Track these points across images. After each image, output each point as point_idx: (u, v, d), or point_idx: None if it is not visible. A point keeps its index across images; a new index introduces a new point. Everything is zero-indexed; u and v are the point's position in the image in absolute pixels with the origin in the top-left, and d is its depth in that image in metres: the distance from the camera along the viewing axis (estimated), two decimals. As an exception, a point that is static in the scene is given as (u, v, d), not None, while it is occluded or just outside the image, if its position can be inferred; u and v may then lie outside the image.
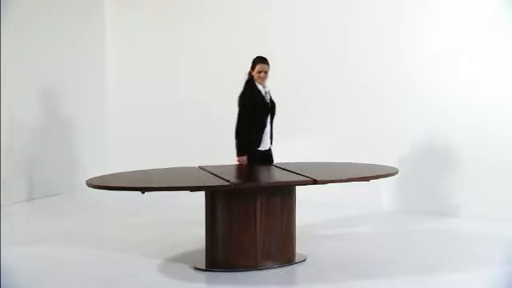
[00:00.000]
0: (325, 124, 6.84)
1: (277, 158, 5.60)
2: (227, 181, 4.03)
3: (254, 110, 4.89)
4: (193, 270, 4.26)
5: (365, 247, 4.88)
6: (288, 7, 7.11)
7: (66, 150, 7.70)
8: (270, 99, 5.04)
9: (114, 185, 3.97)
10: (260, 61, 5.01)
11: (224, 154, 6.86)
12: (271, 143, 5.05)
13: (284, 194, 4.34)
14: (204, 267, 4.30)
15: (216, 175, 4.31)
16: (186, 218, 5.90)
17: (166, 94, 8.01)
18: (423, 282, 4.06)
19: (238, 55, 7.43)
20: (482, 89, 5.91)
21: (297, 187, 4.47)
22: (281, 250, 4.34)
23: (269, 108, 4.99)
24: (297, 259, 4.44)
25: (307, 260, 4.47)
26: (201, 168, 4.76)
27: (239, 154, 4.84)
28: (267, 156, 5.01)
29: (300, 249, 4.56)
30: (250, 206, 4.20)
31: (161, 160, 6.69)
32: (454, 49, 6.11)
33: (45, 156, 7.38)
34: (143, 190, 3.88)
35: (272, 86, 7.12)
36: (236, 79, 7.40)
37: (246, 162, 4.85)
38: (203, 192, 4.32)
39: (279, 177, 4.37)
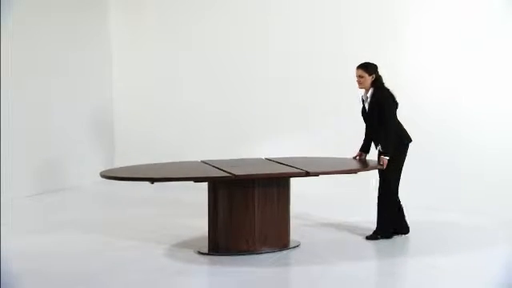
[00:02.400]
0: (317, 121, 7.19)
1: (272, 153, 5.96)
2: (228, 173, 4.42)
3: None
4: (196, 254, 4.64)
5: (355, 234, 5.25)
6: (288, 8, 7.39)
7: (73, 147, 7.97)
8: (372, 105, 5.00)
9: (126, 175, 4.34)
10: (356, 67, 5.05)
11: (224, 149, 7.28)
12: (378, 147, 5.01)
13: (280, 185, 4.71)
14: (207, 251, 4.68)
15: (217, 168, 4.70)
16: (189, 210, 6.26)
17: (169, 94, 8.27)
18: (407, 263, 4.52)
19: (239, 54, 7.71)
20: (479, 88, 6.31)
21: (292, 180, 4.85)
22: (277, 236, 4.72)
23: (365, 114, 5.08)
24: (291, 245, 4.82)
25: (301, 245, 4.85)
26: (203, 162, 5.15)
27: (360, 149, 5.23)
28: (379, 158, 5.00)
29: (294, 235, 4.94)
30: (248, 196, 4.58)
31: (164, 156, 7.04)
32: (448, 51, 6.43)
33: (52, 152, 7.67)
34: (152, 180, 4.25)
35: (266, 86, 7.52)
36: (237, 77, 7.80)
37: (359, 158, 5.18)
38: (205, 185, 4.73)
39: (275, 169, 4.75)
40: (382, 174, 5.00)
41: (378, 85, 5.01)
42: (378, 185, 5.10)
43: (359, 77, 5.00)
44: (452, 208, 6.14)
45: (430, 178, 6.47)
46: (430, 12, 6.59)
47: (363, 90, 5.08)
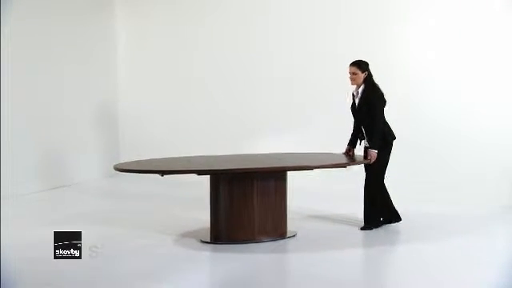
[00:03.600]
0: (312, 120, 7.57)
1: (270, 149, 6.28)
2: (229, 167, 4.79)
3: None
4: (200, 243, 4.97)
5: (347, 224, 5.60)
6: (286, 11, 7.77)
7: (79, 145, 8.32)
8: (362, 100, 5.25)
9: (139, 168, 4.67)
10: (350, 64, 5.32)
11: (226, 145, 7.60)
12: (367, 141, 5.27)
13: (277, 178, 5.05)
14: (209, 240, 5.01)
15: (219, 162, 5.06)
16: (192, 204, 6.64)
17: (172, 93, 8.62)
18: (397, 250, 4.89)
19: (241, 55, 8.10)
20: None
21: (288, 174, 5.18)
22: (274, 225, 5.05)
23: (355, 109, 5.35)
24: (288, 234, 5.14)
25: (297, 235, 5.19)
26: (206, 157, 5.52)
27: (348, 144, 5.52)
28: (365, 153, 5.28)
29: (291, 226, 5.28)
30: (248, 188, 4.91)
31: (166, 153, 7.36)
32: (447, 51, 6.78)
33: (61, 149, 8.00)
34: (162, 172, 4.58)
35: (268, 86, 7.85)
36: (238, 77, 8.14)
37: (350, 153, 5.46)
38: (207, 181, 5.06)
39: (273, 163, 5.08)
40: (368, 168, 5.31)
41: (369, 81, 5.28)
42: (364, 178, 5.43)
43: (352, 74, 5.26)
44: (440, 199, 6.52)
45: (421, 171, 6.89)
46: (429, 12, 6.89)
47: (354, 86, 5.36)
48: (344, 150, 5.55)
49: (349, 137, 5.56)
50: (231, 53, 8.17)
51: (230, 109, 8.19)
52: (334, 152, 5.74)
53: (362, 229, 5.39)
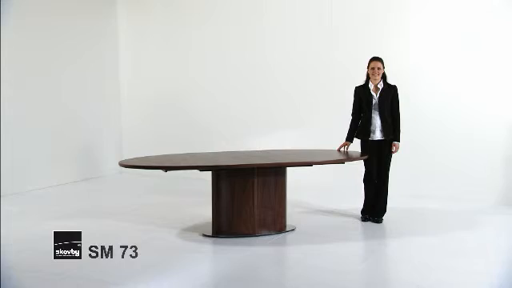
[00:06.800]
0: (310, 119, 7.70)
1: (270, 146, 6.38)
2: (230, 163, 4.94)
3: (361, 104, 5.50)
4: (202, 237, 5.14)
5: (345, 219, 5.77)
6: (286, 12, 7.89)
7: (84, 141, 8.49)
8: (384, 95, 5.41)
9: (143, 164, 4.82)
10: (373, 59, 5.44)
11: (227, 143, 7.76)
12: (385, 135, 5.44)
13: (277, 174, 5.21)
14: (211, 234, 5.18)
15: (221, 158, 5.21)
16: (194, 198, 6.81)
17: (174, 88, 8.74)
18: (393, 244, 5.03)
19: (242, 51, 8.22)
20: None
21: (288, 170, 5.34)
22: (274, 220, 5.21)
23: (374, 103, 5.42)
24: (287, 228, 5.31)
25: (296, 229, 5.35)
26: (208, 153, 5.68)
27: (346, 139, 5.65)
28: (381, 145, 5.47)
29: (290, 220, 5.46)
30: (248, 184, 5.07)
31: (169, 147, 7.54)
32: (446, 50, 6.89)
33: (66, 146, 8.15)
34: (166, 168, 4.74)
35: (267, 84, 8.02)
36: (239, 73, 8.28)
37: (345, 148, 5.62)
38: (209, 177, 5.23)
39: (273, 160, 5.21)
40: (386, 162, 5.50)
41: (385, 78, 5.50)
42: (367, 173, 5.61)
43: (378, 69, 5.42)
44: (437, 196, 6.73)
45: (417, 168, 7.03)
46: (429, 12, 6.98)
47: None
48: (339, 146, 5.69)
49: (345, 133, 5.71)
50: (231, 52, 8.29)
51: (231, 107, 8.32)
52: (332, 149, 5.89)
53: (379, 222, 5.58)
